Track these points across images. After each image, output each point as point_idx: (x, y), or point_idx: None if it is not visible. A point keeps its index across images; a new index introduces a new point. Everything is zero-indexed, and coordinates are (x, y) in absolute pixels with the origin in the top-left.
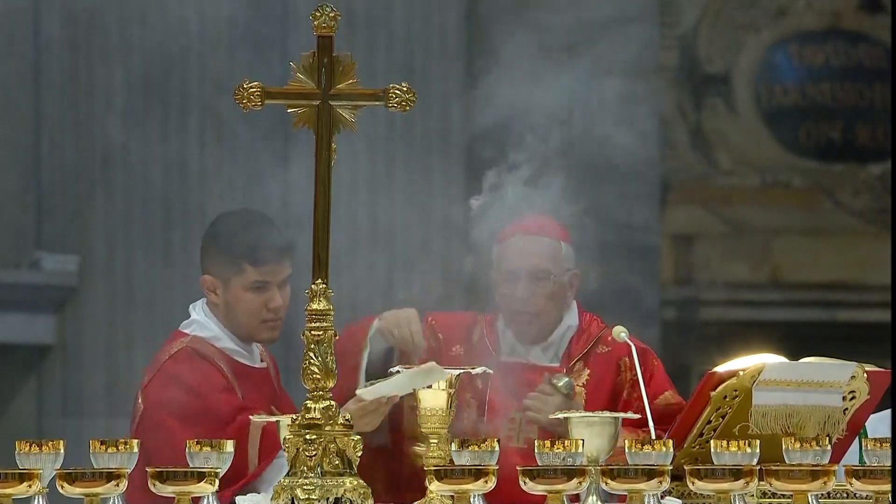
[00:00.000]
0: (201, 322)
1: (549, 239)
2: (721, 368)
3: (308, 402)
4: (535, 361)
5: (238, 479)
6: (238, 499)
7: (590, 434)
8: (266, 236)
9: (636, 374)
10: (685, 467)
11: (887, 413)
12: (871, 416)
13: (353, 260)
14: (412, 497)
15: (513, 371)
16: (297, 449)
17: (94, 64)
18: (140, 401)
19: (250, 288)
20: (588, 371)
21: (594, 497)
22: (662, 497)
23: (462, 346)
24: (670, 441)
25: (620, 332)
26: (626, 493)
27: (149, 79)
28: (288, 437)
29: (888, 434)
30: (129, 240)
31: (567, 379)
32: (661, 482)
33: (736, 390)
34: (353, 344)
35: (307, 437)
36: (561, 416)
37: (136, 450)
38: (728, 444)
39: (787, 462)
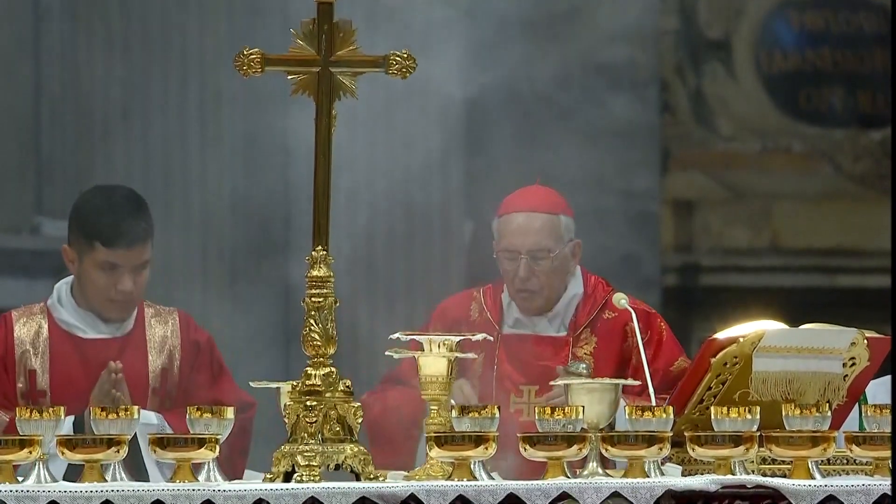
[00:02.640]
0: (57, 288)
1: (547, 215)
2: (721, 335)
3: (308, 368)
4: (541, 332)
5: None
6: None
7: (590, 400)
8: (125, 220)
9: (637, 341)
10: (685, 434)
11: (887, 379)
12: (871, 382)
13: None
14: None
15: (518, 342)
16: (298, 415)
17: (93, 32)
18: None
19: (99, 267)
20: (595, 339)
21: (594, 463)
22: (663, 463)
23: (463, 325)
24: (670, 408)
25: (621, 299)
26: (626, 460)
27: (148, 46)
28: (288, 403)
29: (888, 400)
30: None
31: (584, 364)
32: (661, 449)
33: (736, 357)
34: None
35: (307, 403)
36: (560, 382)
37: (136, 416)
38: (728, 410)
39: (787, 428)
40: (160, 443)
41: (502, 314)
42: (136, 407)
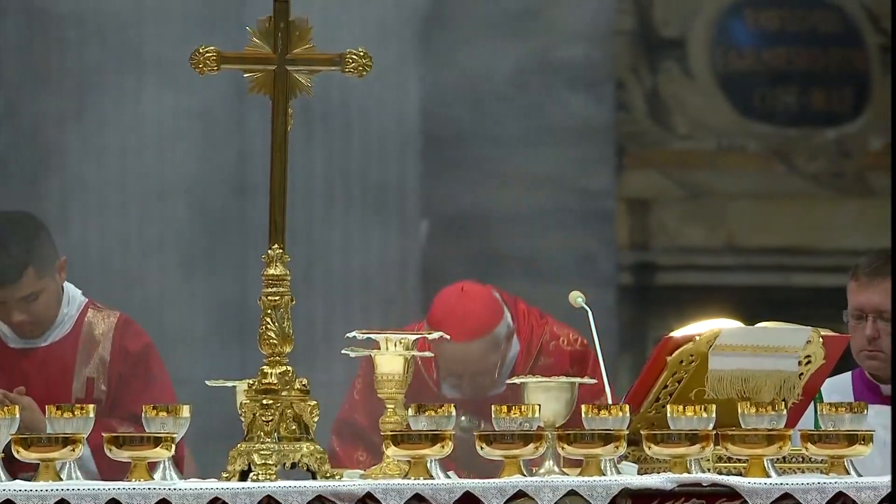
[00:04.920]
0: None
1: (482, 339)
2: (677, 333)
3: (265, 367)
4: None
5: None
6: None
7: (546, 399)
8: None
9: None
10: (641, 432)
11: (841, 378)
12: (827, 381)
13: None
14: None
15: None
16: (254, 414)
17: (49, 28)
18: None
19: None
20: None
21: (551, 462)
22: (619, 462)
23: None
24: (627, 406)
25: (577, 298)
26: (582, 458)
27: (105, 41)
28: (244, 401)
29: (842, 399)
30: (84, 204)
31: (464, 417)
32: (617, 447)
33: (692, 355)
34: None
35: (264, 402)
36: (518, 381)
37: (91, 415)
38: (684, 408)
39: (742, 427)
40: (115, 441)
41: (439, 376)
42: (91, 406)
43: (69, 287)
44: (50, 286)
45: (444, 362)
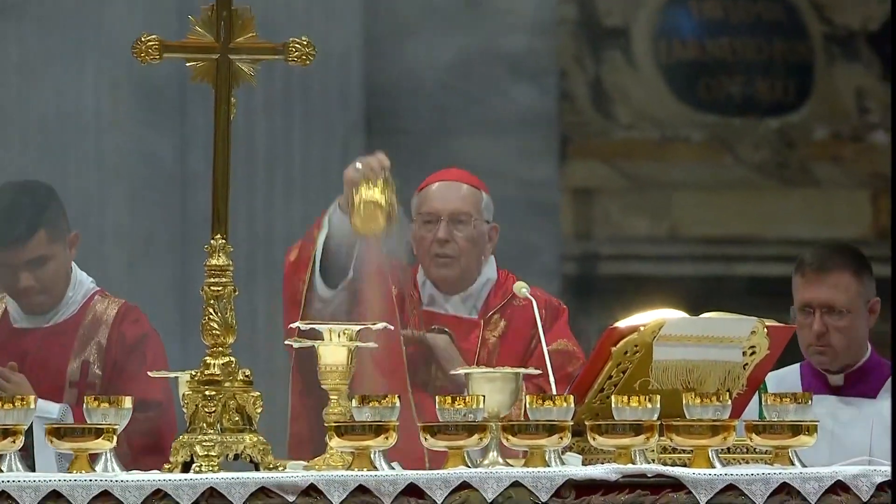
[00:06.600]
0: None
1: (469, 186)
2: (622, 324)
3: (207, 357)
4: (453, 312)
5: None
6: None
7: (491, 390)
8: (4, 219)
9: (537, 329)
10: (586, 423)
11: (789, 370)
12: (774, 374)
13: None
14: None
15: (431, 320)
16: (197, 405)
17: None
18: None
19: None
20: (504, 322)
21: (495, 453)
22: (563, 453)
23: (397, 288)
24: (571, 397)
25: (521, 288)
26: (526, 449)
27: (45, 30)
28: (187, 392)
29: (787, 389)
30: None
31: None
32: (561, 438)
33: (637, 346)
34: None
35: (206, 393)
36: (462, 371)
37: (33, 405)
38: (629, 399)
39: (687, 417)
40: (57, 433)
41: (419, 292)
42: (32, 396)
43: (79, 272)
44: (60, 254)
45: (425, 205)
